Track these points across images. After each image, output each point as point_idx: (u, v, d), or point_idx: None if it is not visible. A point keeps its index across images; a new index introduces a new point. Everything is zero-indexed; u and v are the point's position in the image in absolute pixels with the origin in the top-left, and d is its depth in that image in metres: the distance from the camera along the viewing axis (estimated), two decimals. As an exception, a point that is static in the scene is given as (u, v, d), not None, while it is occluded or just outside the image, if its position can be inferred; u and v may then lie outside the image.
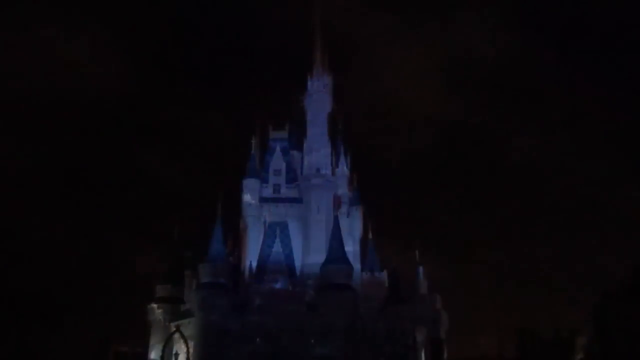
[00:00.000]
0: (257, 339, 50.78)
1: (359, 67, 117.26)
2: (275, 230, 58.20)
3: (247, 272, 56.58)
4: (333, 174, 63.89)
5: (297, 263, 57.84)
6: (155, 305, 57.43)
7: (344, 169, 66.15)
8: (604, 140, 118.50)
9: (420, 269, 58.10)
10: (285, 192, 62.39)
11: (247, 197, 60.85)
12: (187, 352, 47.39)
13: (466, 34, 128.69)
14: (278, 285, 53.05)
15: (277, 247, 56.35)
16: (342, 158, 66.27)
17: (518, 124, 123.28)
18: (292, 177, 63.49)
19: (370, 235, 62.68)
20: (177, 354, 52.16)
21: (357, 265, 59.84)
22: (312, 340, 51.34)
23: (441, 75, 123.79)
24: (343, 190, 64.60)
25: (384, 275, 58.50)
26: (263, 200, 61.12)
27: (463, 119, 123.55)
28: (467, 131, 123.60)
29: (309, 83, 66.28)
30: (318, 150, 63.24)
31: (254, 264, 56.53)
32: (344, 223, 60.38)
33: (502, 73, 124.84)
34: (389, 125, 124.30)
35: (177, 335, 49.67)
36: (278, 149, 64.38)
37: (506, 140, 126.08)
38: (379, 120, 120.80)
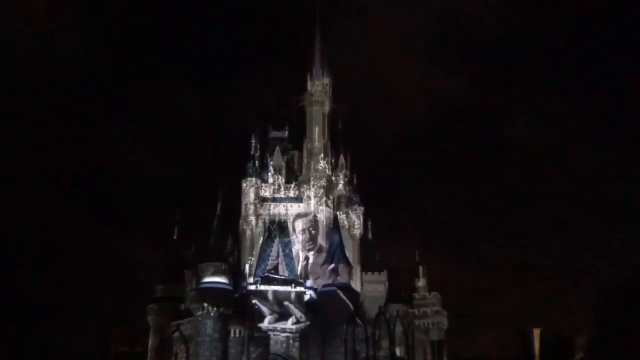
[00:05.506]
0: (257, 339, 50.76)
1: (345, 35, 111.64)
2: (275, 230, 58.17)
3: (247, 272, 56.55)
4: (333, 174, 63.93)
5: (297, 263, 57.80)
6: (155, 305, 57.44)
7: (344, 169, 66.11)
8: (607, 124, 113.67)
9: (420, 269, 58.12)
10: (285, 192, 62.41)
11: (247, 197, 60.87)
12: (187, 352, 47.42)
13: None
14: (278, 286, 52.97)
15: (277, 247, 56.30)
16: (342, 158, 66.22)
17: (518, 100, 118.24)
18: (292, 177, 63.51)
19: (370, 235, 62.73)
20: (177, 354, 52.21)
21: (357, 265, 59.84)
22: (312, 341, 51.38)
23: (431, 43, 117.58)
24: (343, 190, 64.58)
25: (384, 275, 58.50)
26: (263, 200, 61.16)
27: (457, 94, 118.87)
28: (462, 107, 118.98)
29: (309, 83, 66.32)
30: (318, 150, 63.26)
31: (254, 264, 56.50)
32: (344, 223, 60.44)
33: (497, 38, 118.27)
34: (380, 102, 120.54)
35: (177, 335, 49.78)
36: (278, 149, 64.41)
37: (506, 118, 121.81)
38: (370, 97, 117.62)
